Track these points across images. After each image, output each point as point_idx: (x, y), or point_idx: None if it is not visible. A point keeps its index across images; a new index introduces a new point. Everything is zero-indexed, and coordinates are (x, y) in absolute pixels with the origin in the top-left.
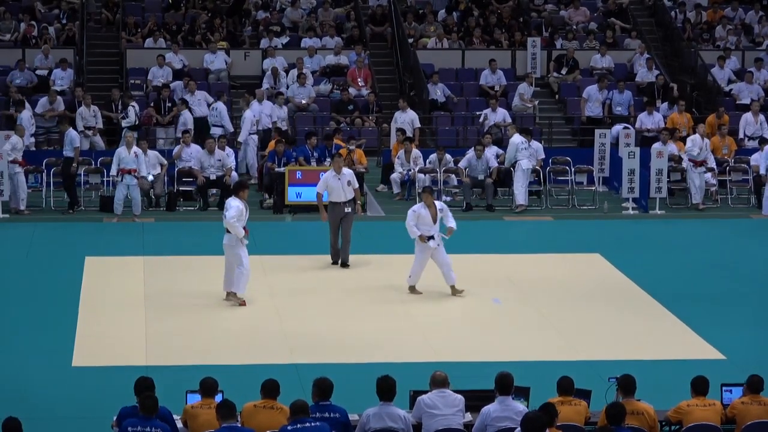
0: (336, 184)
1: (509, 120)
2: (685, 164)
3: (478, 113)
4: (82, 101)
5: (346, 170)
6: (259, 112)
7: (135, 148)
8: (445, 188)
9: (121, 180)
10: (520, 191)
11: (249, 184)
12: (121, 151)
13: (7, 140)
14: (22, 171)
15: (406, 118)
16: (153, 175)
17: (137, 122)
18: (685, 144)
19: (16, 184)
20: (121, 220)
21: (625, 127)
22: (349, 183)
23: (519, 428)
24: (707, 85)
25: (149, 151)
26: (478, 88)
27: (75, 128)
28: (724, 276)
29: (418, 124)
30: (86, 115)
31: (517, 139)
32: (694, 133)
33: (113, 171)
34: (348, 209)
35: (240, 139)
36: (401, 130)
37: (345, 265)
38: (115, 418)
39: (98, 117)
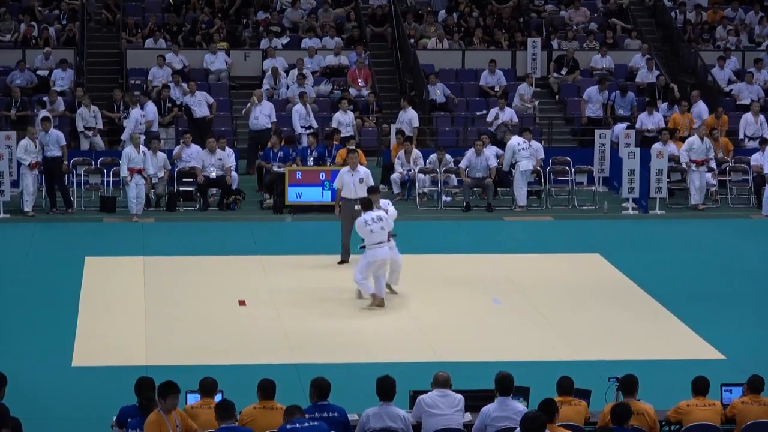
0: (348, 179)
1: (516, 119)
2: (684, 164)
3: (480, 113)
4: (82, 102)
5: (361, 168)
6: (153, 113)
7: (142, 147)
8: (445, 188)
9: (131, 179)
10: (519, 193)
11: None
12: (130, 150)
13: (7, 141)
14: (29, 173)
15: (405, 118)
16: (158, 177)
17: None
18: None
19: (24, 185)
20: (120, 220)
21: (628, 126)
22: (361, 181)
23: (519, 428)
24: (707, 85)
25: (159, 153)
26: (478, 88)
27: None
28: (724, 276)
29: (416, 124)
30: (86, 115)
31: (514, 141)
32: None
33: (124, 172)
34: (358, 206)
35: (123, 137)
36: (401, 132)
37: (343, 262)
38: (115, 418)
39: (98, 117)
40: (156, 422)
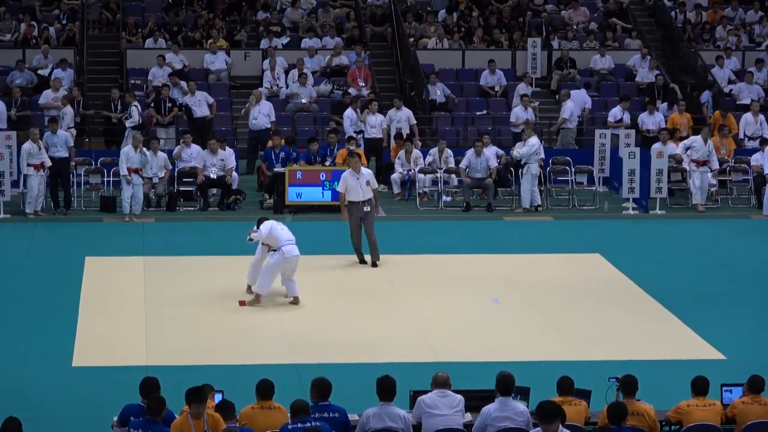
0: (355, 183)
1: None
2: (686, 165)
3: (480, 113)
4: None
5: (364, 170)
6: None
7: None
8: (445, 188)
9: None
10: (526, 195)
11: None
12: (129, 150)
13: (7, 141)
14: (35, 175)
15: (402, 116)
16: (158, 177)
17: (140, 122)
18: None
19: (28, 186)
20: (120, 220)
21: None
22: (368, 183)
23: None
24: (707, 85)
25: (159, 153)
26: (478, 88)
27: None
28: (724, 276)
29: (414, 121)
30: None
31: (536, 141)
32: (695, 134)
33: (123, 170)
34: (367, 208)
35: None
36: (399, 135)
37: (375, 264)
38: (115, 418)
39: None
40: (178, 427)
